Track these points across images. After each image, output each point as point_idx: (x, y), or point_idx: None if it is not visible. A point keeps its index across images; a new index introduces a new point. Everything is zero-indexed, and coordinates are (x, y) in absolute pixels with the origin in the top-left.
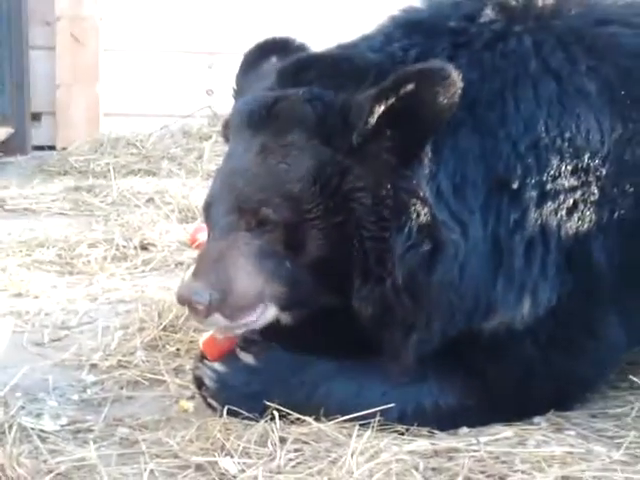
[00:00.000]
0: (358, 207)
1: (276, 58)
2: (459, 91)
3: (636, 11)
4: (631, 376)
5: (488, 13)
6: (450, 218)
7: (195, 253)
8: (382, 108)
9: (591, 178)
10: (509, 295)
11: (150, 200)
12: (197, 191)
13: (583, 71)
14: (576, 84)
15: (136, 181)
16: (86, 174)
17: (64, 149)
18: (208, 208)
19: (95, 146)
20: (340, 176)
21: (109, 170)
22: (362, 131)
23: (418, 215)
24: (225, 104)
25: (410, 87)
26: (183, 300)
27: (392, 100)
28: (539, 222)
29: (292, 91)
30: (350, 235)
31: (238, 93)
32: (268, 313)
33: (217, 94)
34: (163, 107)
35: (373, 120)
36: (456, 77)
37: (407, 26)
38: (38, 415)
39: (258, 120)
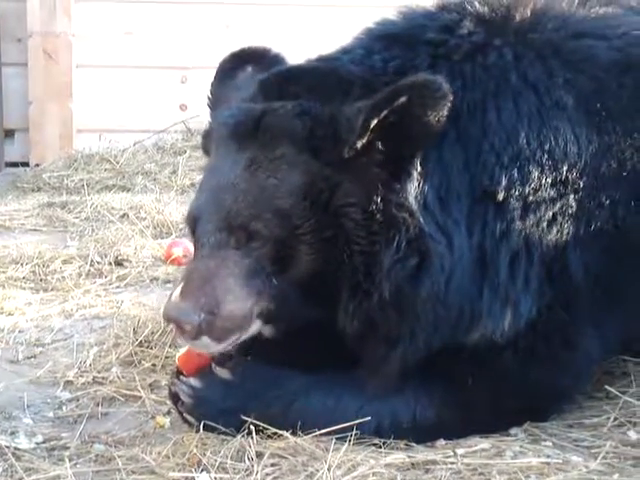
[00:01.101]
0: (348, 222)
1: (252, 68)
2: (449, 104)
3: (609, 23)
4: (607, 386)
5: (467, 25)
6: (436, 230)
7: (170, 268)
8: (375, 121)
9: (569, 190)
10: (493, 307)
11: (124, 216)
12: (172, 206)
13: (560, 84)
14: (553, 97)
15: (110, 197)
16: (60, 190)
17: (37, 165)
18: (194, 223)
19: (69, 162)
20: (330, 191)
21: (83, 186)
22: (353, 144)
23: (407, 229)
24: (199, 119)
25: (403, 100)
26: (171, 320)
27: (385, 112)
28: (523, 234)
29: (279, 104)
30: (340, 250)
31: (214, 102)
32: (252, 329)
33: (191, 109)
34: (137, 122)
35: (366, 133)
36: (447, 90)
37: (385, 38)
38: (13, 433)
39: (245, 133)
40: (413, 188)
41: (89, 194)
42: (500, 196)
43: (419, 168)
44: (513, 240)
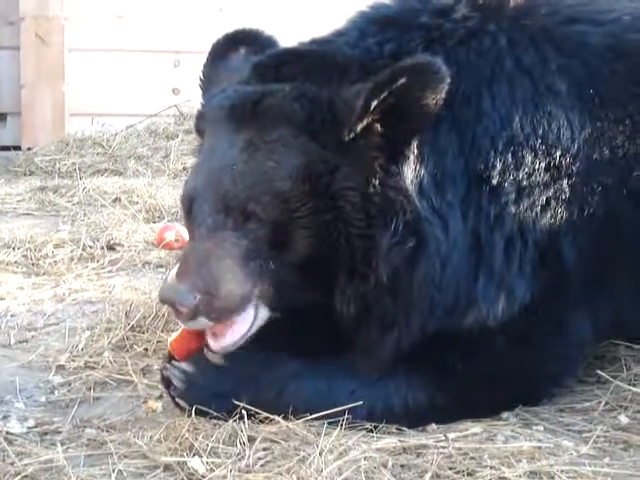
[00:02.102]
0: (347, 206)
1: (245, 50)
2: (447, 86)
3: (601, 8)
4: (598, 370)
5: (461, 9)
6: (432, 214)
7: (163, 253)
8: (375, 102)
9: (562, 175)
10: (488, 291)
11: (117, 200)
12: (164, 190)
13: (554, 70)
14: (547, 83)
15: (102, 181)
16: (52, 174)
17: (29, 149)
18: (190, 204)
19: (61, 146)
20: (329, 174)
21: (75, 170)
22: (353, 127)
23: (404, 212)
24: (192, 103)
25: (402, 81)
26: (167, 302)
27: (385, 94)
28: (517, 219)
29: (277, 86)
30: (338, 233)
31: (206, 84)
32: (260, 316)
33: (184, 93)
34: (129, 106)
35: (365, 115)
36: (445, 72)
37: (379, 22)
38: (5, 417)
39: (242, 115)
40: (410, 171)
41: (81, 178)
42: (494, 180)
43: (416, 151)
44: (507, 225)
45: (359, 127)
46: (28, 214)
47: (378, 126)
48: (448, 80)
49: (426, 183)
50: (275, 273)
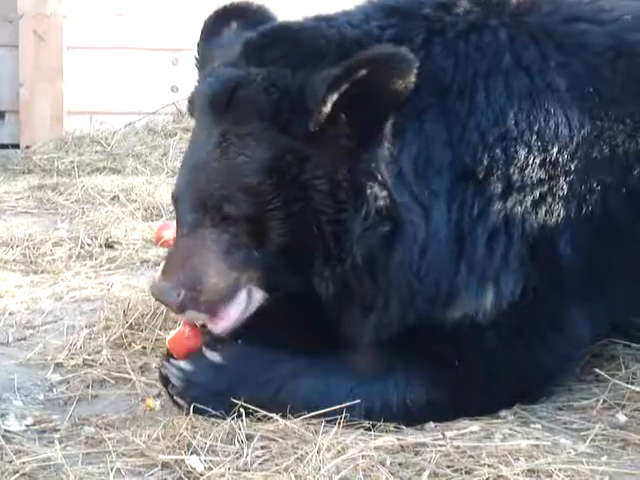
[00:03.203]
0: (315, 194)
1: (236, 23)
2: (415, 71)
3: (603, 7)
4: (596, 369)
5: (463, 4)
6: (411, 200)
7: (161, 251)
8: (335, 95)
9: (559, 172)
10: (471, 283)
11: (115, 198)
12: (162, 188)
13: (553, 67)
14: (546, 80)
15: (101, 179)
16: (50, 172)
17: (28, 147)
18: (175, 203)
19: (59, 144)
20: (298, 165)
21: (74, 168)
22: (317, 118)
23: (375, 197)
24: None
25: (363, 73)
26: (156, 299)
27: (345, 86)
28: (503, 213)
29: (254, 73)
30: (309, 221)
31: (201, 63)
32: (256, 297)
33: (182, 91)
34: (128, 104)
35: (327, 107)
36: (411, 59)
37: (384, 9)
38: (3, 415)
39: (219, 106)
40: (384, 157)
41: (80, 176)
42: (480, 174)
43: (392, 138)
44: (491, 218)
45: (323, 117)
46: (26, 212)
47: (344, 115)
48: (416, 65)
49: (406, 169)
50: (260, 260)
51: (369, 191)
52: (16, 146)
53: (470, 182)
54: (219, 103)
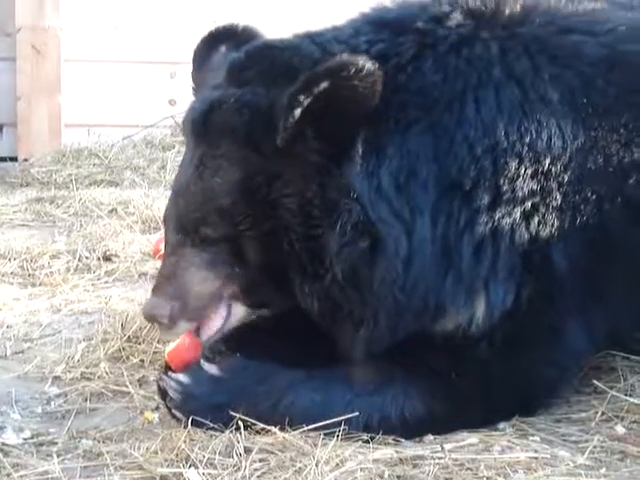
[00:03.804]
0: (284, 213)
1: (225, 47)
2: (379, 80)
3: (597, 19)
4: (595, 381)
5: (456, 17)
6: (390, 214)
7: (159, 263)
8: (298, 110)
9: (552, 183)
10: (459, 295)
11: (113, 211)
12: (160, 201)
13: (546, 79)
14: (539, 91)
15: (99, 192)
16: (48, 185)
17: (26, 160)
18: (164, 225)
19: (57, 157)
20: (267, 184)
21: (71, 181)
22: (283, 134)
23: (350, 212)
24: None
25: (324, 85)
26: (148, 318)
27: (308, 101)
28: (491, 224)
29: (229, 95)
30: (281, 240)
31: (196, 90)
32: (236, 312)
33: (180, 104)
34: (125, 117)
35: (291, 123)
36: (371, 67)
37: (376, 23)
38: (1, 428)
39: (198, 130)
40: (357, 173)
41: (77, 189)
42: (467, 186)
43: (363, 151)
44: (478, 229)
45: (289, 133)
46: (24, 225)
47: (311, 131)
48: (379, 73)
49: (385, 183)
50: (242, 276)
51: (343, 207)
52: (14, 159)
53: (457, 194)
54: (198, 126)
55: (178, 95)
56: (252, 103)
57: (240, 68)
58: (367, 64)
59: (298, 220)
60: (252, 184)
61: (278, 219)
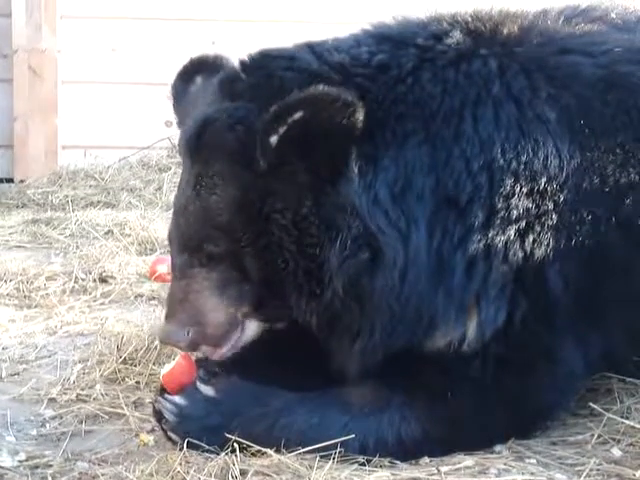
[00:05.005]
0: (277, 229)
1: (200, 78)
2: (359, 109)
3: (595, 40)
4: (591, 403)
5: (455, 35)
6: (387, 225)
7: (155, 285)
8: (274, 137)
9: (548, 202)
10: (449, 311)
11: (109, 232)
12: (156, 223)
13: (543, 98)
14: (536, 110)
15: (95, 213)
16: (44, 207)
17: (22, 182)
18: (169, 246)
19: (54, 178)
20: (261, 200)
21: (68, 202)
22: (264, 159)
23: (349, 227)
24: None
25: (298, 115)
26: (166, 343)
27: (283, 129)
28: (484, 241)
29: (221, 110)
30: (275, 256)
31: (179, 124)
32: (249, 328)
33: (176, 125)
34: (122, 139)
35: (270, 148)
36: (348, 98)
37: (377, 36)
38: None
39: (192, 148)
40: (355, 189)
41: (74, 210)
42: (462, 202)
43: (357, 168)
44: (471, 246)
45: (272, 159)
46: (20, 246)
47: (293, 155)
48: (356, 104)
49: (382, 195)
50: (252, 293)
51: (341, 222)
52: (10, 180)
53: (452, 209)
54: (192, 145)
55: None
56: (244, 119)
57: (233, 79)
58: (343, 95)
59: (292, 238)
60: (246, 200)
61: (271, 235)
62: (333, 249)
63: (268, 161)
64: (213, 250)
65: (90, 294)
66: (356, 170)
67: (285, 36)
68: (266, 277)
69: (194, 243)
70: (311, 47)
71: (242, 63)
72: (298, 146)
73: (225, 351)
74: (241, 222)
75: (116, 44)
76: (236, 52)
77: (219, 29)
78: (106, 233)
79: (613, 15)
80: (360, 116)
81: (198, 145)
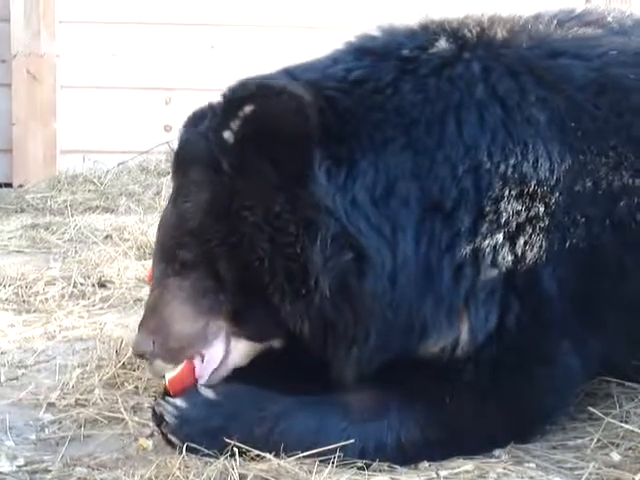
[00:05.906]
0: (246, 226)
1: None
2: (309, 104)
3: (588, 43)
4: (590, 407)
5: (441, 44)
6: (369, 228)
7: None
8: (228, 133)
9: (539, 205)
10: (439, 317)
11: (108, 237)
12: (155, 227)
13: (532, 101)
14: (524, 113)
15: (94, 218)
16: (43, 211)
17: (21, 186)
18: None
19: (52, 183)
20: (229, 198)
21: (67, 207)
22: (224, 158)
23: (327, 227)
24: None
25: (249, 109)
26: (134, 353)
27: (237, 124)
28: (472, 246)
29: (203, 125)
30: (249, 255)
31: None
32: (237, 348)
33: (175, 130)
34: (121, 144)
35: (229, 146)
36: (294, 90)
37: (359, 51)
38: None
39: (175, 165)
40: (324, 189)
41: (73, 215)
42: (448, 207)
43: (323, 169)
44: (458, 252)
45: (232, 157)
46: (19, 251)
47: (253, 153)
48: (307, 98)
49: (361, 198)
50: (228, 303)
51: (319, 221)
52: (9, 185)
53: (438, 215)
54: (175, 163)
55: (173, 121)
56: (213, 127)
57: (215, 102)
58: (290, 87)
59: (264, 235)
60: (215, 201)
61: (242, 233)
62: (314, 247)
63: (230, 160)
64: (185, 256)
65: (89, 299)
66: (322, 171)
67: (284, 41)
68: (242, 282)
69: (169, 252)
70: (287, 70)
71: (227, 88)
72: (256, 143)
73: (206, 374)
74: (210, 222)
75: (115, 49)
76: (235, 56)
77: (218, 34)
78: (105, 238)
79: (609, 19)
80: (310, 112)
81: (178, 160)
